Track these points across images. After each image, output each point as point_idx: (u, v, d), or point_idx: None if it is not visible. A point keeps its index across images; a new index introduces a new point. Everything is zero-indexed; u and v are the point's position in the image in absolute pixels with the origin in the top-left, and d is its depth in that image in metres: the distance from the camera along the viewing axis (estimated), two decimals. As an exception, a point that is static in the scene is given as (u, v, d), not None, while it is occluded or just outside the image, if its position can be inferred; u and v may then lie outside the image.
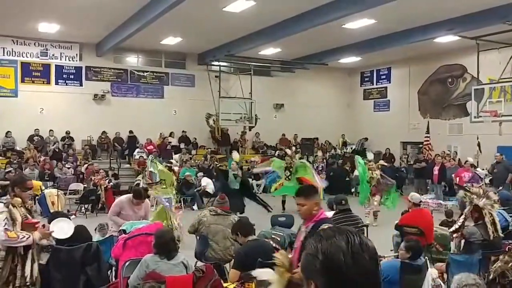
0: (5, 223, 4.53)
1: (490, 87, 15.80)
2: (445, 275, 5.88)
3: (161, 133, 19.99)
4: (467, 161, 15.31)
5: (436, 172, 15.60)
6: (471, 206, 6.10)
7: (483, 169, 15.81)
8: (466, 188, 6.62)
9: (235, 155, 15.42)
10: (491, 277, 4.15)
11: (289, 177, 13.35)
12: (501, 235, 5.76)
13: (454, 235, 6.29)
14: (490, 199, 6.00)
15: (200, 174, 16.31)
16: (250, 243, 5.25)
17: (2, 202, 4.74)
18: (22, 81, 18.32)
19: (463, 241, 6.14)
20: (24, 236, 4.57)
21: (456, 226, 6.38)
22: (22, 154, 16.85)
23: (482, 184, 13.74)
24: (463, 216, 6.38)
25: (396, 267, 5.15)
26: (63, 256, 5.25)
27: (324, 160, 20.01)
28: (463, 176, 14.33)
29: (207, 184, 15.49)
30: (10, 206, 4.66)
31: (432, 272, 5.20)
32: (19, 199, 4.77)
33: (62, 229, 5.09)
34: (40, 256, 4.92)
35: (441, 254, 7.16)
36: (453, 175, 15.08)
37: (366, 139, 23.53)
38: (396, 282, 5.02)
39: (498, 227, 5.82)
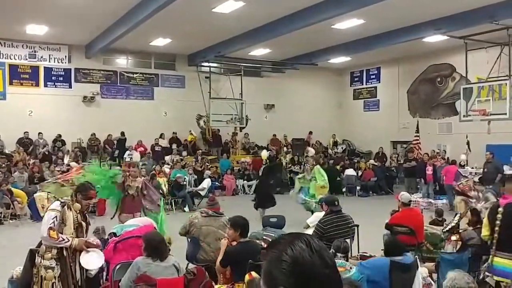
0: (53, 222, 4.68)
1: (479, 86, 15.90)
2: (434, 275, 5.90)
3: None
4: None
5: (429, 172, 15.71)
6: (467, 209, 6.10)
7: (472, 168, 15.94)
8: (465, 193, 6.62)
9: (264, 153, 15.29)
10: (481, 276, 4.18)
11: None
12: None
13: (452, 238, 6.28)
14: (489, 201, 5.99)
15: (192, 175, 16.26)
16: (242, 244, 5.26)
17: (60, 201, 4.86)
18: (10, 83, 18.17)
19: (459, 243, 6.15)
20: (64, 239, 4.69)
21: (452, 224, 6.39)
22: (11, 158, 16.70)
23: (471, 179, 13.88)
24: (458, 216, 6.40)
25: (384, 265, 5.17)
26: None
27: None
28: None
29: (207, 185, 15.47)
30: (65, 207, 4.80)
31: (422, 271, 5.23)
32: (79, 205, 4.92)
33: (93, 258, 4.95)
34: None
35: (431, 253, 7.22)
36: (441, 173, 15.21)
37: (348, 141, 23.74)
38: (384, 281, 5.05)
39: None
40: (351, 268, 5.02)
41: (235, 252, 5.20)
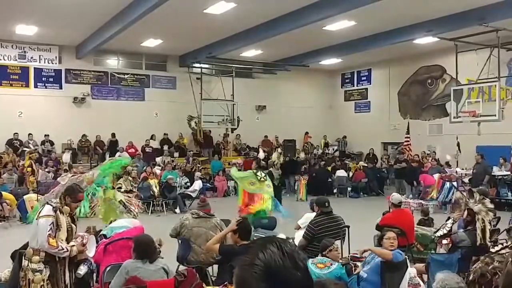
0: (50, 229, 4.64)
1: (469, 87, 16.02)
2: (424, 276, 5.92)
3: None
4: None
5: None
6: (464, 209, 6.11)
7: (462, 169, 16.06)
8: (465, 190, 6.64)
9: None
10: (470, 278, 4.18)
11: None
12: (488, 243, 5.75)
13: (444, 242, 6.29)
14: (485, 205, 6.00)
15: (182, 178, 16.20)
16: (243, 247, 5.17)
17: (52, 206, 4.78)
18: (0, 84, 18.03)
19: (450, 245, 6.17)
20: (63, 249, 4.68)
21: (444, 230, 6.37)
22: (1, 159, 16.54)
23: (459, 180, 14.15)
24: (451, 220, 6.40)
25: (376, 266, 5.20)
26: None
27: (307, 161, 20.09)
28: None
29: (199, 187, 15.42)
30: (58, 212, 4.75)
31: (410, 271, 5.25)
32: (68, 208, 4.89)
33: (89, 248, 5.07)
34: (79, 267, 5.00)
35: (421, 254, 7.25)
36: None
37: (345, 137, 23.74)
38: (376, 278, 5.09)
39: (487, 235, 5.83)
40: (331, 264, 5.01)
41: (236, 251, 5.12)
